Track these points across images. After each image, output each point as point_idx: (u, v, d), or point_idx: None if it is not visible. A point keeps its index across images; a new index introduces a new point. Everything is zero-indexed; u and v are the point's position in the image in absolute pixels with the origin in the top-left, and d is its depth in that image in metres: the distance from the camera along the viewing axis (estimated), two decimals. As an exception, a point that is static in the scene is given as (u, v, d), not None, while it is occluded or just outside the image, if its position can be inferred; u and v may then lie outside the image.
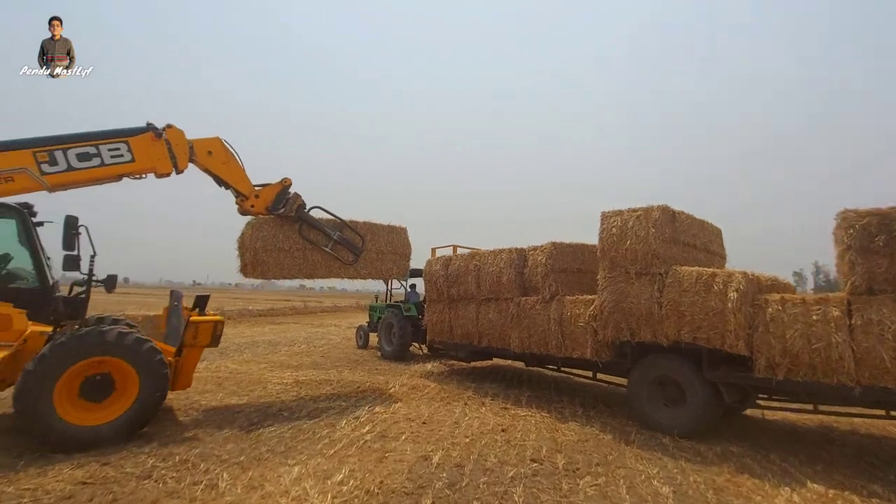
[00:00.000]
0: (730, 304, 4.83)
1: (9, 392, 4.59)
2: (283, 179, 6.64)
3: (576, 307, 6.43)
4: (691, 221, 6.29)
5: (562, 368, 7.50)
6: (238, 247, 6.62)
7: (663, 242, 5.55)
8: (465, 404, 6.65)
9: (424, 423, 5.66)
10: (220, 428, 5.19)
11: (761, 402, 5.54)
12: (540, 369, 8.93)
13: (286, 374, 8.78)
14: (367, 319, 13.64)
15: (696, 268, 5.37)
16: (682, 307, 5.23)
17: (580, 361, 6.59)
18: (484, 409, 6.43)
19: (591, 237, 6.45)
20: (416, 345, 11.74)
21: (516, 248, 7.63)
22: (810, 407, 5.14)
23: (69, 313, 5.13)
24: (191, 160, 5.87)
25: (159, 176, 5.66)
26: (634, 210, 5.81)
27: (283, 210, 6.60)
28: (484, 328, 7.91)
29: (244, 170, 6.30)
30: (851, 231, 4.30)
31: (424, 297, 10.06)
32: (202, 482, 3.71)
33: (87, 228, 4.94)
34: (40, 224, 5.23)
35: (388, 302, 13.12)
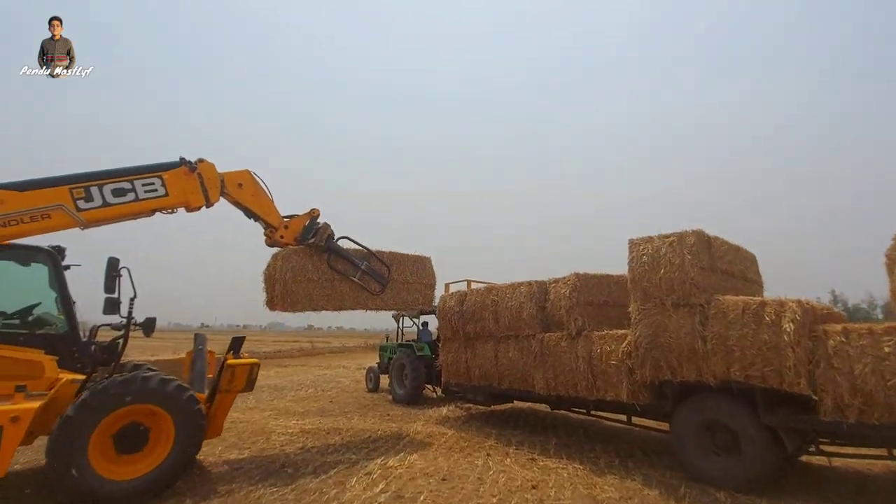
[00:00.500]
0: (786, 337, 4.32)
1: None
2: (311, 210, 6.60)
3: (606, 343, 5.88)
4: (727, 247, 5.83)
5: (592, 412, 6.86)
6: (265, 279, 6.46)
7: (700, 270, 5.07)
8: (488, 455, 6.03)
9: (444, 479, 5.06)
10: (215, 491, 4.63)
11: (824, 448, 4.89)
12: (565, 412, 8.24)
13: (291, 422, 8.22)
14: (378, 360, 12.99)
15: (742, 297, 4.88)
16: (729, 341, 4.70)
17: (614, 404, 5.98)
18: (509, 460, 5.81)
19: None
20: (430, 387, 11.02)
21: (536, 281, 7.17)
22: (884, 452, 4.53)
23: (103, 359, 4.78)
24: (221, 193, 5.79)
25: (190, 210, 5.56)
26: (666, 236, 5.36)
27: (313, 240, 6.53)
28: (504, 368, 7.33)
29: (273, 201, 6.27)
30: None
31: (438, 336, 9.53)
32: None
33: (129, 270, 4.66)
34: (67, 267, 5.00)
35: (399, 341, 12.56)
